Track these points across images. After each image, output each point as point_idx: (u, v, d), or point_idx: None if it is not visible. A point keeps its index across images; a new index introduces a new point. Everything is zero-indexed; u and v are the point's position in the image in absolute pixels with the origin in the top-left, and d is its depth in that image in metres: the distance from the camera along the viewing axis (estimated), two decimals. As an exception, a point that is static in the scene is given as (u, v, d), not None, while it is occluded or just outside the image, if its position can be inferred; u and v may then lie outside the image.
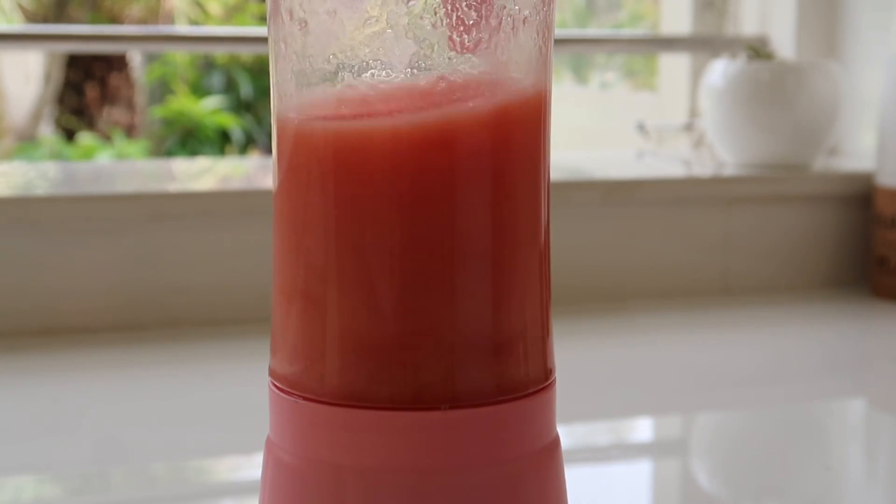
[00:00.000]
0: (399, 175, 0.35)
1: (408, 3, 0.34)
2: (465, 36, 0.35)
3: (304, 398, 0.36)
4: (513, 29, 0.35)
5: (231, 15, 5.10)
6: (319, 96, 0.35)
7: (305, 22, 0.35)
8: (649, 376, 0.74)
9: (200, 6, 5.01)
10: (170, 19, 5.04)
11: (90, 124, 5.24)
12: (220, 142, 4.77)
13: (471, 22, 0.34)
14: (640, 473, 0.61)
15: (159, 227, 0.83)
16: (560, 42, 1.08)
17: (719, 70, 0.99)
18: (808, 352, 0.81)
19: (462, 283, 0.35)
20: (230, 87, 4.96)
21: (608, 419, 0.68)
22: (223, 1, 5.07)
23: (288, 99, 0.36)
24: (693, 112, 1.19)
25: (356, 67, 0.35)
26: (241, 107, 4.92)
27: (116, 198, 0.83)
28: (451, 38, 0.34)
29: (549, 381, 0.38)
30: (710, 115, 1.01)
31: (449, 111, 0.35)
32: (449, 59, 0.34)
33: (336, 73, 0.35)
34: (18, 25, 4.19)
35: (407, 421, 0.35)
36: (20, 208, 0.81)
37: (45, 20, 5.17)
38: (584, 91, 4.04)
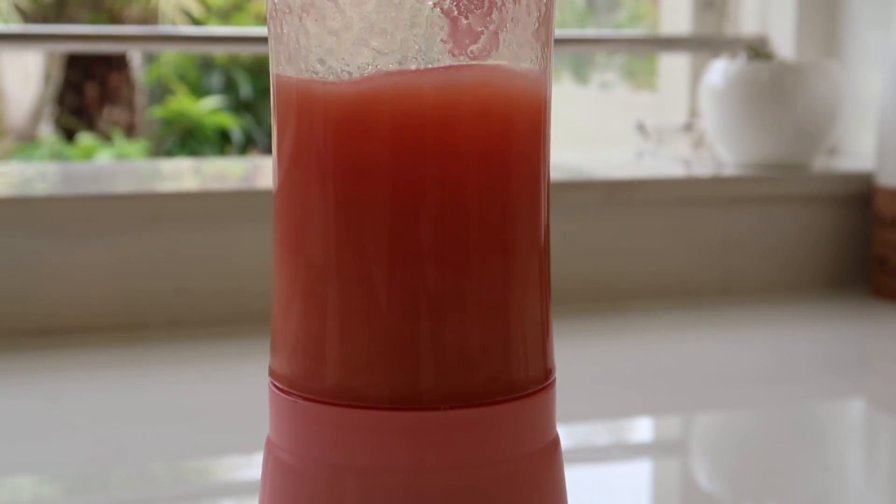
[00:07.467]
0: (397, 175, 0.35)
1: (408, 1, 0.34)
2: (466, 31, 0.35)
3: (304, 398, 0.36)
4: (513, 26, 0.35)
5: (229, 14, 5.10)
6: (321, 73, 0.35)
7: (301, 19, 0.35)
8: (649, 376, 0.74)
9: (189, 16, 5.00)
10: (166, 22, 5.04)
11: (90, 124, 5.24)
12: (220, 142, 4.77)
13: (471, 17, 0.34)
14: (640, 473, 0.61)
15: (159, 227, 0.83)
16: (560, 42, 1.08)
17: (719, 70, 0.99)
18: (808, 352, 0.81)
19: (462, 283, 0.35)
20: (230, 87, 4.96)
21: (608, 419, 0.68)
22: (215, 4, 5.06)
23: (288, 62, 0.36)
24: (693, 112, 1.19)
25: (356, 64, 0.35)
26: (240, 107, 4.92)
27: (116, 198, 0.83)
28: (451, 33, 0.34)
29: (549, 381, 0.38)
30: (709, 115, 1.01)
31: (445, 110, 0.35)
32: (450, 54, 0.34)
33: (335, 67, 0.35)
34: (18, 25, 4.19)
35: (406, 421, 0.35)
36: (20, 208, 0.81)
37: (45, 20, 5.17)
38: (584, 91, 4.04)
